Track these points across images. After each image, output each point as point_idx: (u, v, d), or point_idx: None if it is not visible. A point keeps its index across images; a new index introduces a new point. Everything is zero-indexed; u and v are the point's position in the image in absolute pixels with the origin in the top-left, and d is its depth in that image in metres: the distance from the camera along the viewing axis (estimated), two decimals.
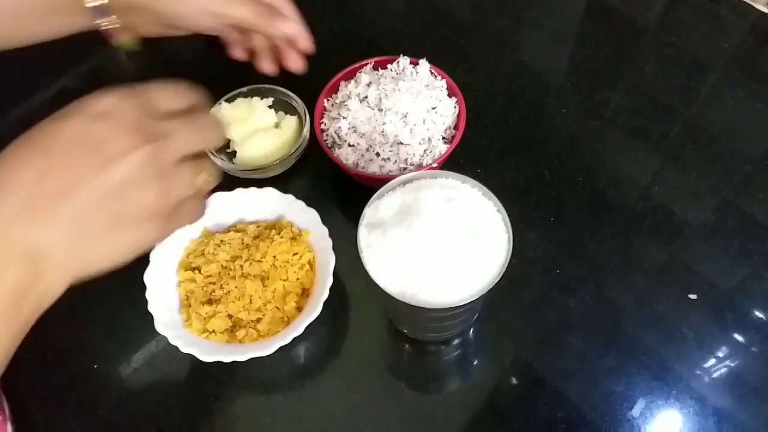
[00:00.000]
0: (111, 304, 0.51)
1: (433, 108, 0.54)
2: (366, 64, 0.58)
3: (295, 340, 0.45)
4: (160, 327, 0.46)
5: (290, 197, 0.53)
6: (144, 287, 0.47)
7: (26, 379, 0.48)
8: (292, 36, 0.54)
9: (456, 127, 0.54)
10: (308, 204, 0.52)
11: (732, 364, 0.48)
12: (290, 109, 0.60)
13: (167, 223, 0.34)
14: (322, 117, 0.56)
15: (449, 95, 0.56)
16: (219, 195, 0.52)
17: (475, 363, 0.49)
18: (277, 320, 0.48)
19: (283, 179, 0.58)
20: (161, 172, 0.32)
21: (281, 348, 0.45)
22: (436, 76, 0.56)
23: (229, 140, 0.59)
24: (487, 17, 0.71)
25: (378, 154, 0.53)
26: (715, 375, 0.47)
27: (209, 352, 0.45)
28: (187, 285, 0.50)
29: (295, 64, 0.56)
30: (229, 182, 0.56)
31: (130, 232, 0.32)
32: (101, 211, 0.30)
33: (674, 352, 0.48)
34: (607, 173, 0.58)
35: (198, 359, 0.45)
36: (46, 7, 0.49)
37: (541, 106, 0.63)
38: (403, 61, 0.57)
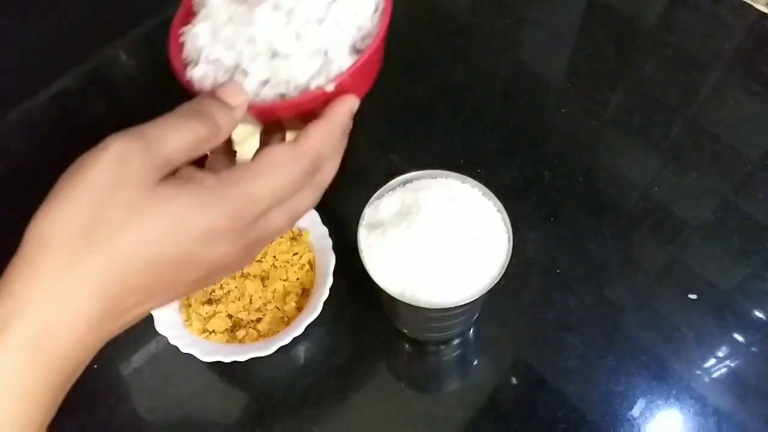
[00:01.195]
0: None
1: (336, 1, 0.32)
2: None
3: (295, 340, 0.45)
4: (160, 327, 0.46)
5: None
6: None
7: None
8: None
9: (375, 35, 0.32)
10: None
11: (732, 364, 0.48)
12: None
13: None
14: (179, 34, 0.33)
15: None
16: None
17: (475, 363, 0.49)
18: (277, 320, 0.48)
19: None
20: (255, 251, 0.30)
21: (281, 348, 0.45)
22: None
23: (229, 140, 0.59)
24: (487, 17, 0.71)
25: (246, 74, 0.32)
26: (715, 375, 0.47)
27: (209, 352, 0.45)
28: None
29: None
30: None
31: (209, 282, 0.31)
32: (187, 287, 0.30)
33: (674, 352, 0.48)
34: (607, 173, 0.58)
35: (198, 359, 0.45)
36: None
37: (541, 106, 0.63)
38: None
